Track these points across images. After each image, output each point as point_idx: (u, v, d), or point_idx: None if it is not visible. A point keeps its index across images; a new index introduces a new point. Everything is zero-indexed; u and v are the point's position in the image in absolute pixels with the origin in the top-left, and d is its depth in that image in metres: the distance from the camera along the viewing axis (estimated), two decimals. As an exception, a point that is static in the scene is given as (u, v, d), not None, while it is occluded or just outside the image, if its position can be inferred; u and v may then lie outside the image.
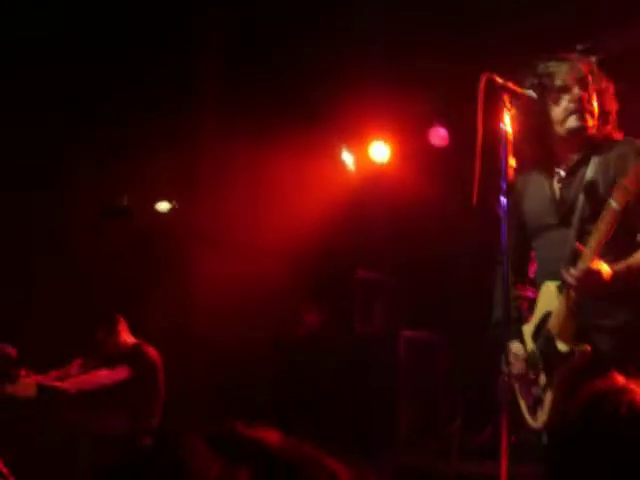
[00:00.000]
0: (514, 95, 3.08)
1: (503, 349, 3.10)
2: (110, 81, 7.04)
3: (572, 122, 3.18)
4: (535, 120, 3.23)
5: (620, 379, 1.39)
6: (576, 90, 3.19)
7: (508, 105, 3.01)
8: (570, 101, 3.17)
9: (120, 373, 5.61)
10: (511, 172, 2.96)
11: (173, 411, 5.82)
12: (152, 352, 5.88)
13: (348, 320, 6.93)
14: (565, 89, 3.19)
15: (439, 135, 7.16)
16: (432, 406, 6.78)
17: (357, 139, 7.85)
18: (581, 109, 3.17)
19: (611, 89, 3.33)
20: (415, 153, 7.49)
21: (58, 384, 5.44)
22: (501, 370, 2.88)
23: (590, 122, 3.19)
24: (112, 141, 7.24)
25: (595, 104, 3.21)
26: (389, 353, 6.62)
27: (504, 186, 2.93)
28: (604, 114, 3.25)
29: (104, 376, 5.58)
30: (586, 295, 3.00)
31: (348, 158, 7.96)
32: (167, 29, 7.04)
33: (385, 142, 7.62)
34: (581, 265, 2.94)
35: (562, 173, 3.27)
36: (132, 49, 6.99)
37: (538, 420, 3.14)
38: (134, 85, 7.14)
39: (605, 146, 3.20)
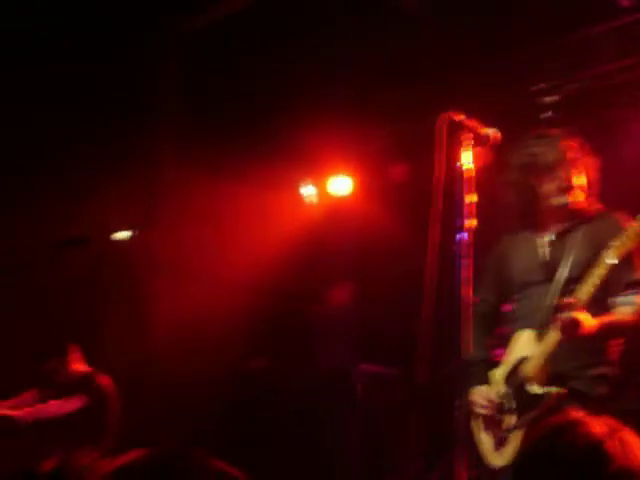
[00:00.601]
0: (474, 133, 3.13)
1: (466, 387, 3.24)
2: (64, 107, 6.98)
3: (561, 199, 3.45)
4: (523, 195, 3.50)
5: (576, 413, 1.41)
6: (560, 170, 3.44)
7: (467, 142, 3.06)
8: (556, 180, 3.43)
9: (74, 403, 5.55)
10: (471, 209, 3.01)
11: (127, 440, 5.73)
12: (105, 381, 5.83)
13: (306, 354, 6.91)
14: (550, 169, 3.44)
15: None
16: (389, 441, 6.77)
17: (318, 172, 7.90)
18: (568, 187, 3.42)
19: (594, 164, 3.56)
20: (376, 187, 7.55)
21: (14, 413, 5.35)
22: (458, 406, 2.91)
23: (579, 197, 3.46)
24: (68, 169, 7.18)
25: (582, 179, 3.46)
26: (347, 388, 6.61)
27: (460, 223, 2.99)
28: (588, 187, 3.50)
29: (59, 406, 5.50)
30: (572, 338, 3.14)
31: (308, 191, 8.00)
32: (124, 58, 7.02)
33: (346, 176, 7.68)
34: (567, 314, 3.12)
35: (551, 237, 3.51)
36: (88, 76, 6.95)
37: (503, 458, 3.27)
38: (90, 112, 7.09)
39: (590, 216, 3.46)
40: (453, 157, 3.06)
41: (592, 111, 6.65)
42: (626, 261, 3.18)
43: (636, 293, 3.31)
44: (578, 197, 3.46)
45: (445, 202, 3.37)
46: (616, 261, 3.05)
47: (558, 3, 6.10)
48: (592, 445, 1.31)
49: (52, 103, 6.87)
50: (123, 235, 7.81)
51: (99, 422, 5.63)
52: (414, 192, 6.96)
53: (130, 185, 7.33)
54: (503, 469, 3.23)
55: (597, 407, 3.10)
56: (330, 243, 7.82)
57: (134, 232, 7.75)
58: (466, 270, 2.99)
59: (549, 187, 3.44)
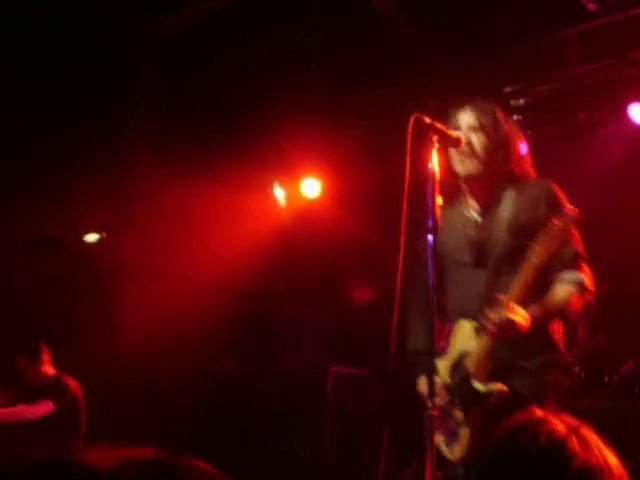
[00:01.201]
0: (442, 135, 3.15)
1: (413, 378, 3.24)
2: (35, 107, 6.93)
3: (458, 167, 3.31)
4: (446, 163, 3.31)
5: (538, 412, 1.43)
6: (465, 137, 3.26)
7: (436, 145, 3.08)
8: (460, 147, 3.24)
9: (44, 407, 5.53)
10: (438, 211, 3.03)
11: (100, 442, 5.70)
12: (73, 384, 5.82)
13: (276, 355, 6.91)
14: (458, 137, 3.25)
15: None
16: (360, 442, 6.79)
17: (290, 174, 7.91)
18: (467, 155, 3.26)
19: (517, 134, 3.42)
20: (347, 189, 7.59)
21: None
22: (425, 404, 2.85)
23: (474, 167, 3.27)
24: (40, 171, 7.12)
25: (487, 148, 3.28)
26: (317, 389, 6.62)
27: (430, 224, 2.96)
28: (513, 158, 3.33)
29: (28, 410, 5.48)
30: (502, 340, 3.05)
31: (279, 193, 8.01)
32: (97, 57, 6.97)
33: (316, 178, 7.71)
34: (498, 313, 2.99)
35: (476, 213, 3.37)
36: (59, 75, 6.90)
37: (454, 453, 3.19)
38: (61, 111, 7.04)
39: (517, 188, 3.29)
40: (423, 159, 3.07)
41: (559, 114, 6.74)
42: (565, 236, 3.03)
43: (578, 268, 3.18)
44: (476, 167, 3.29)
45: (416, 204, 3.40)
46: (540, 261, 2.92)
47: (526, 7, 6.15)
48: (554, 444, 1.33)
49: (22, 102, 6.82)
50: (95, 236, 7.77)
51: (68, 425, 5.62)
52: (384, 194, 7.01)
53: (101, 186, 7.29)
54: (456, 463, 3.16)
55: (542, 396, 3.10)
56: (300, 244, 7.83)
57: (105, 233, 7.71)
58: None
59: (454, 155, 3.29)
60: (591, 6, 6.02)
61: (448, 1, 6.43)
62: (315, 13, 6.78)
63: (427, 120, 3.05)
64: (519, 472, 1.32)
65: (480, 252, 3.28)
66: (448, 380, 3.26)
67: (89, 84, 7.02)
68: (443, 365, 3.32)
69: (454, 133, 3.20)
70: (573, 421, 1.38)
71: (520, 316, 2.99)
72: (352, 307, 7.46)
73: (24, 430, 5.38)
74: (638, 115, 6.25)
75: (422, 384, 3.30)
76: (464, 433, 3.13)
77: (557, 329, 3.27)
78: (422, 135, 3.07)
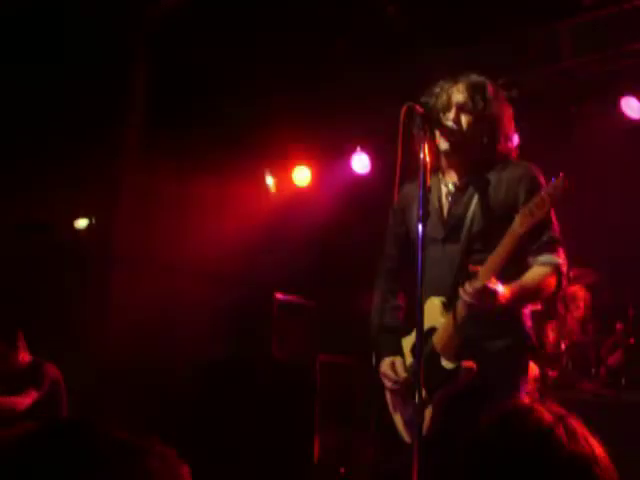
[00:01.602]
0: (435, 124, 3.15)
1: (376, 357, 3.20)
2: (26, 96, 6.90)
3: (442, 144, 3.24)
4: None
5: (526, 400, 1.44)
6: (451, 114, 3.23)
7: (427, 133, 3.07)
8: (445, 124, 3.19)
9: (29, 397, 5.50)
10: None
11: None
12: (52, 369, 5.78)
13: (266, 344, 6.91)
14: (443, 111, 3.22)
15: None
16: (349, 430, 6.81)
17: (280, 163, 7.91)
18: (453, 132, 3.19)
19: (508, 113, 3.36)
20: (337, 178, 7.59)
21: None
22: (418, 398, 2.77)
23: (457, 143, 3.21)
24: (30, 156, 7.09)
25: (474, 127, 3.22)
26: (307, 377, 6.63)
27: (421, 213, 2.92)
28: (498, 137, 3.26)
29: (16, 401, 5.46)
30: (478, 312, 2.97)
31: (270, 181, 8.01)
32: (90, 46, 6.94)
33: (307, 166, 7.71)
34: (477, 283, 2.92)
35: (451, 188, 3.31)
36: (51, 64, 6.87)
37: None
38: (53, 99, 7.02)
39: (498, 167, 3.24)
40: (415, 149, 3.06)
41: (553, 106, 6.75)
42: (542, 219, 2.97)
43: (554, 252, 3.14)
44: (478, 143, 3.22)
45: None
46: (522, 231, 2.85)
47: (517, 0, 6.16)
48: (542, 432, 1.34)
49: (11, 89, 6.79)
50: (84, 222, 7.75)
51: (50, 410, 5.59)
52: (376, 182, 7.02)
53: (92, 171, 7.27)
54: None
55: (509, 378, 3.06)
56: (291, 232, 7.83)
57: (95, 219, 7.69)
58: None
59: (443, 132, 3.20)
60: (587, 0, 6.03)
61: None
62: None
63: (419, 109, 3.05)
64: (507, 459, 1.33)
65: (453, 227, 3.22)
66: (411, 359, 3.17)
67: (79, 71, 7.00)
68: (407, 343, 3.27)
69: (448, 123, 3.19)
70: (560, 410, 1.39)
71: (497, 286, 2.93)
72: (343, 295, 7.46)
73: (7, 419, 5.34)
74: (630, 108, 6.26)
75: (385, 364, 3.26)
76: (427, 413, 3.03)
77: (527, 313, 3.24)
78: (415, 124, 3.06)
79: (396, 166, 3.09)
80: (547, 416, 1.37)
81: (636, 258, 6.42)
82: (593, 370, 6.37)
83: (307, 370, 6.60)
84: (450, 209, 3.27)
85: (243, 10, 6.82)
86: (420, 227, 2.92)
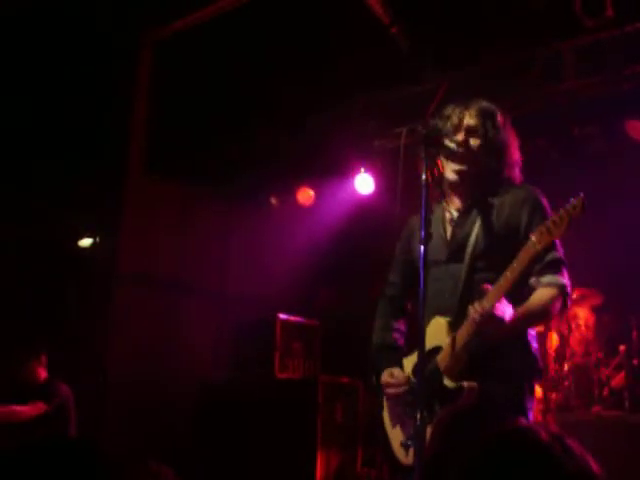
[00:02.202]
0: (438, 146, 3.16)
1: (371, 373, 3.21)
2: (32, 112, 6.94)
3: (448, 171, 3.26)
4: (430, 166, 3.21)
5: (524, 421, 1.45)
6: (460, 136, 3.23)
7: (430, 155, 3.08)
8: (450, 147, 3.18)
9: (35, 408, 5.58)
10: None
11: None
12: (65, 389, 5.87)
13: (268, 364, 6.89)
14: (453, 132, 3.23)
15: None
16: (351, 451, 6.78)
17: (285, 182, 7.94)
18: (461, 157, 3.19)
19: (515, 143, 3.38)
20: (340, 198, 7.62)
21: None
22: (420, 418, 2.77)
23: (465, 168, 3.21)
24: (35, 174, 7.13)
25: (483, 152, 3.23)
26: (309, 398, 6.61)
27: (422, 235, 2.92)
28: (505, 164, 3.29)
29: (20, 410, 5.52)
30: (484, 332, 2.96)
31: (275, 201, 8.05)
32: (95, 62, 6.98)
33: (310, 186, 7.76)
34: (486, 303, 2.91)
35: (454, 214, 3.32)
36: (57, 79, 6.91)
37: (410, 456, 3.06)
38: (62, 119, 7.06)
39: (502, 191, 3.25)
40: (418, 170, 3.07)
41: (553, 128, 6.78)
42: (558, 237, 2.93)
43: (558, 272, 3.12)
44: (485, 169, 3.24)
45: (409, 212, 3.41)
46: (539, 247, 2.82)
47: (522, 20, 6.19)
48: (539, 452, 1.35)
49: (16, 103, 6.83)
50: (88, 241, 7.78)
51: (57, 429, 5.64)
52: (380, 202, 7.04)
53: (96, 190, 7.30)
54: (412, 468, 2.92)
55: (515, 401, 3.03)
56: (295, 252, 7.84)
57: (99, 238, 7.71)
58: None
59: (451, 157, 3.21)
60: (588, 21, 6.05)
61: (443, 13, 6.47)
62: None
63: (421, 131, 3.07)
64: (504, 478, 1.34)
65: (456, 248, 3.22)
66: (412, 379, 3.17)
67: (84, 87, 7.04)
68: (408, 363, 3.26)
69: (450, 144, 3.19)
70: (558, 430, 1.39)
71: (505, 309, 2.93)
72: (346, 316, 7.46)
73: (13, 430, 5.39)
74: (633, 131, 6.28)
75: (385, 375, 3.26)
76: (426, 433, 2.97)
77: (533, 334, 3.22)
78: (419, 145, 3.07)
79: (399, 187, 3.12)
80: (544, 436, 1.38)
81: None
82: (596, 392, 6.34)
83: (309, 390, 6.59)
84: (453, 232, 3.28)
85: (249, 35, 6.89)
86: (422, 248, 2.91)
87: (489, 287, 2.95)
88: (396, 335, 3.44)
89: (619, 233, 6.65)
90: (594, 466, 1.36)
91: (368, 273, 7.41)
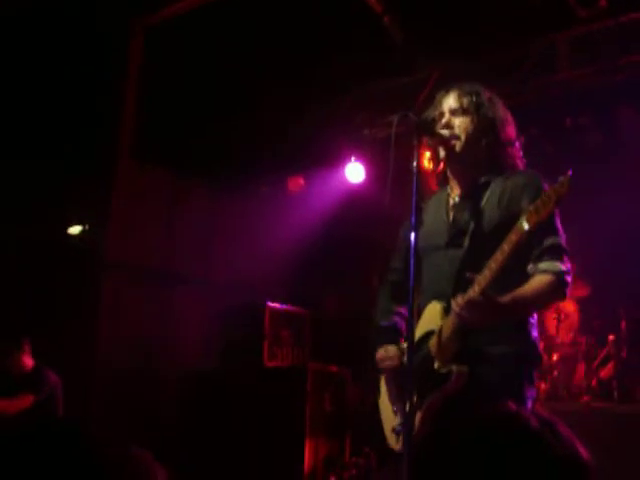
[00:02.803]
0: (428, 132, 3.15)
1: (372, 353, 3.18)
2: (24, 103, 6.91)
3: (440, 152, 3.24)
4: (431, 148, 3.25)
5: (513, 406, 1.43)
6: (444, 119, 3.21)
7: (422, 143, 3.06)
8: (445, 131, 3.17)
9: (24, 401, 5.54)
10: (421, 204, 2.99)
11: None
12: (53, 377, 5.83)
13: (257, 352, 6.89)
14: (438, 119, 3.20)
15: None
16: (339, 440, 6.79)
17: (276, 174, 7.93)
18: (453, 138, 3.17)
19: (507, 117, 3.32)
20: (330, 186, 7.61)
21: None
22: (411, 410, 2.75)
23: (455, 150, 3.18)
24: (24, 163, 7.09)
25: (469, 131, 3.19)
26: (297, 386, 6.61)
27: (413, 221, 2.91)
28: (498, 139, 3.23)
29: (9, 405, 5.49)
30: (468, 323, 2.91)
31: (265, 189, 8.04)
32: (85, 54, 6.94)
33: (301, 175, 7.75)
34: (468, 294, 2.87)
35: (457, 197, 3.29)
36: (47, 74, 6.88)
37: (400, 442, 3.04)
38: (51, 107, 7.02)
39: (503, 174, 3.20)
40: (408, 157, 3.05)
41: (546, 119, 6.77)
42: (547, 224, 2.91)
43: (557, 259, 3.02)
44: (476, 148, 3.19)
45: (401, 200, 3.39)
46: (527, 227, 2.74)
47: (516, 10, 6.17)
48: (528, 437, 1.34)
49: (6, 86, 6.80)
50: (77, 229, 7.73)
51: (47, 416, 5.61)
52: (371, 191, 7.03)
53: (86, 179, 7.27)
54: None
55: (508, 387, 2.95)
56: (283, 240, 7.82)
57: (88, 226, 7.67)
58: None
59: (440, 140, 3.17)
60: (581, 12, 6.04)
61: (438, 4, 6.45)
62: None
63: (414, 118, 3.04)
64: (494, 464, 1.32)
65: (456, 233, 3.18)
66: (405, 360, 3.09)
67: (74, 76, 6.99)
68: (404, 347, 3.21)
69: (442, 131, 3.17)
70: (547, 416, 1.38)
71: (488, 297, 2.85)
72: (334, 304, 7.46)
73: (1, 420, 5.37)
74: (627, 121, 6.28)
75: (381, 351, 3.25)
76: (416, 419, 2.95)
77: (533, 322, 3.15)
78: (412, 133, 3.04)
79: (390, 175, 3.10)
80: (534, 421, 1.36)
81: (628, 271, 6.43)
82: (585, 382, 6.36)
83: (298, 379, 6.58)
84: (454, 217, 3.24)
85: (239, 24, 6.85)
86: (412, 235, 2.91)
87: (474, 275, 2.89)
88: (396, 318, 3.41)
89: (608, 224, 6.66)
90: (583, 452, 1.35)
91: (357, 261, 7.41)
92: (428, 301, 3.15)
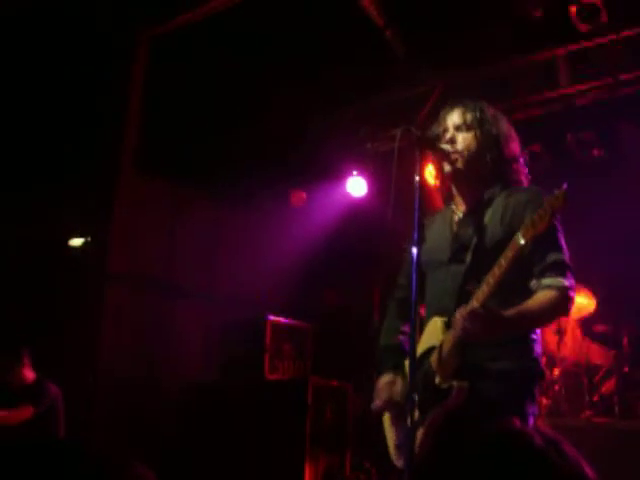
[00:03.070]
0: (432, 148, 3.15)
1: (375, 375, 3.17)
2: (27, 112, 6.92)
3: (445, 168, 3.23)
4: (438, 167, 3.25)
5: (518, 423, 1.43)
6: (448, 134, 3.21)
7: (424, 157, 3.08)
8: (447, 147, 3.17)
9: (24, 413, 5.53)
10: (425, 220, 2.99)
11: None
12: (54, 389, 5.83)
13: (258, 366, 6.87)
14: (443, 134, 3.21)
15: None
16: (340, 454, 6.77)
17: (278, 186, 7.94)
18: (452, 154, 3.18)
19: (511, 133, 3.32)
20: (332, 200, 7.62)
21: None
22: (412, 423, 2.71)
23: (458, 166, 3.18)
24: (27, 173, 7.09)
25: (472, 147, 3.20)
26: (298, 401, 6.59)
27: (415, 236, 2.91)
28: (502, 155, 3.23)
29: (9, 416, 5.47)
30: (470, 336, 2.87)
31: (267, 204, 8.05)
32: (87, 63, 6.95)
33: (303, 189, 7.76)
34: (469, 306, 2.86)
35: (461, 215, 3.29)
36: (49, 81, 6.89)
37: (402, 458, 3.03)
38: (54, 117, 7.03)
39: (507, 192, 3.20)
40: (411, 171, 3.05)
41: (547, 134, 6.78)
42: (549, 241, 2.94)
43: (561, 275, 3.00)
44: (480, 164, 3.20)
45: (403, 215, 3.39)
46: (523, 242, 2.73)
47: (517, 26, 6.19)
48: (532, 455, 1.33)
49: (8, 106, 6.80)
50: (79, 241, 7.73)
51: (46, 430, 5.60)
52: (373, 205, 7.03)
53: (87, 190, 7.27)
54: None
55: (510, 403, 2.94)
56: (284, 253, 7.83)
57: (90, 238, 7.67)
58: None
59: (444, 156, 3.18)
60: (582, 27, 6.05)
61: (441, 18, 6.47)
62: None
63: (416, 132, 3.04)
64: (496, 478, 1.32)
65: (458, 248, 3.18)
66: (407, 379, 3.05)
67: (77, 89, 7.01)
68: (407, 363, 3.19)
69: (444, 146, 3.18)
70: (552, 434, 1.37)
71: (489, 310, 2.85)
72: (336, 318, 7.45)
73: (2, 432, 5.36)
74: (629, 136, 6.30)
75: (383, 381, 3.23)
76: (418, 435, 2.93)
77: (536, 338, 3.13)
78: (413, 147, 3.05)
79: (392, 188, 3.11)
80: (538, 439, 1.36)
81: (631, 286, 6.42)
82: (586, 398, 6.34)
83: (299, 392, 6.57)
84: (457, 233, 3.24)
85: (242, 36, 6.87)
86: (414, 250, 2.90)
87: (474, 289, 2.90)
88: (402, 337, 3.39)
89: (609, 239, 6.65)
90: (589, 472, 1.34)
91: (359, 274, 7.40)
92: (431, 316, 3.15)
